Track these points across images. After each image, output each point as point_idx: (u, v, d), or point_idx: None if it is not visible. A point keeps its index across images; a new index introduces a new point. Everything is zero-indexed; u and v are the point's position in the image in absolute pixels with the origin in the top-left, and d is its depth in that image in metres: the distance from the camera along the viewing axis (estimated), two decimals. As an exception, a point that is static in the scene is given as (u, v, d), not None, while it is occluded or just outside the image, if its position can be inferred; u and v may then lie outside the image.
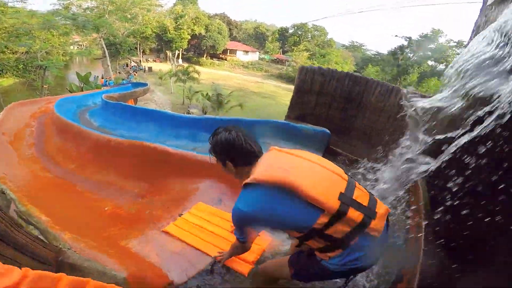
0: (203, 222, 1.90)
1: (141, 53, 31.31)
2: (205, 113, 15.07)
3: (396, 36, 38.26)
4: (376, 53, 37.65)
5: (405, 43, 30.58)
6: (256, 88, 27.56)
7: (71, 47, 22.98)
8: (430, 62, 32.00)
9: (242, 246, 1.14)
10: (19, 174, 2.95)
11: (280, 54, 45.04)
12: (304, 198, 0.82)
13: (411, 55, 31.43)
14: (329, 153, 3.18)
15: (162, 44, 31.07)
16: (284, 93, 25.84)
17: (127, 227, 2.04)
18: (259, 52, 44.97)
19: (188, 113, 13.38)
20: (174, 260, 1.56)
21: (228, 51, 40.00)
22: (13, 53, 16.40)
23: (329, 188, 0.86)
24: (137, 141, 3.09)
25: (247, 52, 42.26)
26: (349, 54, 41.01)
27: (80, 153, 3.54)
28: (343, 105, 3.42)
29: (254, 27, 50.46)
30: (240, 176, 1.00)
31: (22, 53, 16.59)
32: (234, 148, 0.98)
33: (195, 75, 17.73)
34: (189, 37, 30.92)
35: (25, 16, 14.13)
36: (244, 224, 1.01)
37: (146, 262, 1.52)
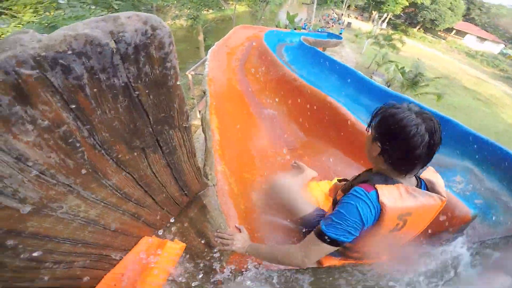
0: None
1: (345, 7, 29.90)
2: (389, 86, 12.93)
3: None
4: None
5: None
6: (471, 84, 20.10)
7: None
8: None
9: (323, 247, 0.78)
10: (221, 79, 3.46)
11: None
12: None
13: None
14: None
15: (371, 2, 28.60)
16: None
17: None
18: (505, 45, 32.51)
19: (370, 78, 11.88)
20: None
21: (454, 31, 32.42)
22: None
23: None
24: (321, 92, 2.71)
25: (483, 39, 32.22)
26: None
27: (267, 78, 3.71)
28: None
29: (512, 14, 34.84)
30: (373, 162, 0.85)
31: None
32: (402, 143, 0.72)
33: (398, 44, 15.03)
34: (407, 3, 26.75)
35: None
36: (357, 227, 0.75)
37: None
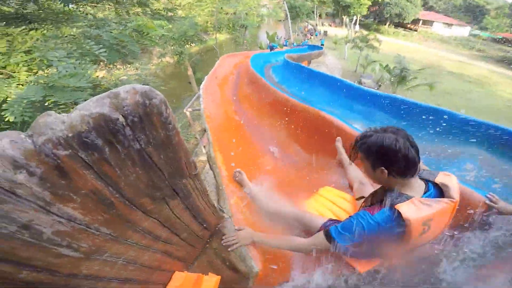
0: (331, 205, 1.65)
1: (317, 17, 31.59)
2: (379, 86, 13.19)
3: None
4: None
5: None
6: (456, 68, 20.62)
7: (262, 9, 26.21)
8: None
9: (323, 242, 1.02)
10: (217, 112, 3.57)
11: (511, 33, 31.78)
12: None
13: None
14: None
15: (339, 8, 30.19)
16: (504, 81, 17.53)
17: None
18: (471, 27, 34.15)
19: (360, 82, 12.12)
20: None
21: (420, 21, 33.45)
22: (226, 14, 20.34)
23: None
24: (314, 108, 2.83)
25: (450, 25, 33.30)
26: None
27: (261, 103, 3.84)
28: None
29: (465, -3, 36.90)
30: (384, 183, 0.98)
31: (230, 13, 20.30)
32: (396, 157, 0.88)
33: (376, 44, 15.63)
34: (370, 3, 28.37)
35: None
36: (364, 240, 0.93)
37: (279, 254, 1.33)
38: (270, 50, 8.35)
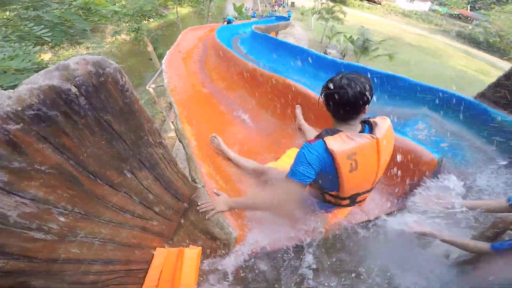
0: None
1: None
2: (344, 56, 13.57)
3: None
4: None
5: None
6: (415, 41, 21.80)
7: None
8: None
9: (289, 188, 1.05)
10: (183, 86, 3.46)
11: (467, 10, 33.99)
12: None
13: None
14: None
15: None
16: (456, 54, 19.19)
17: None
18: (432, 3, 35.27)
19: (325, 53, 12.38)
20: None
21: None
22: None
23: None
24: (280, 76, 2.89)
25: None
26: None
27: (230, 74, 3.79)
28: None
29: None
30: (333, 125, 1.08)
31: None
32: (336, 103, 0.99)
33: (341, 15, 15.81)
34: None
35: None
36: (314, 170, 1.00)
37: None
38: (228, 24, 7.88)
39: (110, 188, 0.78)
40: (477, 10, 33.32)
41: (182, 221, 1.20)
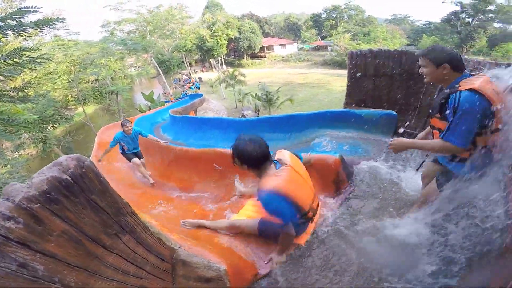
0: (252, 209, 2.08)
1: (188, 66, 33.45)
2: (258, 113, 15.36)
3: (444, 2, 30.12)
4: (427, 22, 35.51)
5: (457, 8, 28.60)
6: (302, 79, 26.77)
7: (129, 69, 24.96)
8: (496, 25, 29.50)
9: (287, 233, 1.48)
10: (122, 192, 3.49)
11: (319, 40, 43.46)
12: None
13: (470, 19, 28.95)
14: (401, 135, 2.95)
15: (204, 53, 32.59)
16: (333, 79, 24.46)
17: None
18: (297, 43, 43.69)
19: (243, 115, 13.87)
20: (257, 251, 1.74)
21: (265, 48, 39.96)
22: (87, 82, 18.54)
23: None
24: (210, 149, 3.26)
25: (284, 45, 41.57)
26: (396, 28, 37.39)
27: (164, 164, 4.02)
28: (405, 83, 3.31)
29: (284, 19, 49.34)
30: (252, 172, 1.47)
31: (93, 81, 18.65)
32: (248, 158, 1.38)
33: (241, 78, 18.26)
34: (226, 42, 31.84)
35: (84, 47, 15.01)
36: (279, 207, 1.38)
37: (236, 255, 1.68)
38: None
39: (105, 249, 1.00)
40: (325, 38, 40.90)
41: (174, 277, 1.37)
